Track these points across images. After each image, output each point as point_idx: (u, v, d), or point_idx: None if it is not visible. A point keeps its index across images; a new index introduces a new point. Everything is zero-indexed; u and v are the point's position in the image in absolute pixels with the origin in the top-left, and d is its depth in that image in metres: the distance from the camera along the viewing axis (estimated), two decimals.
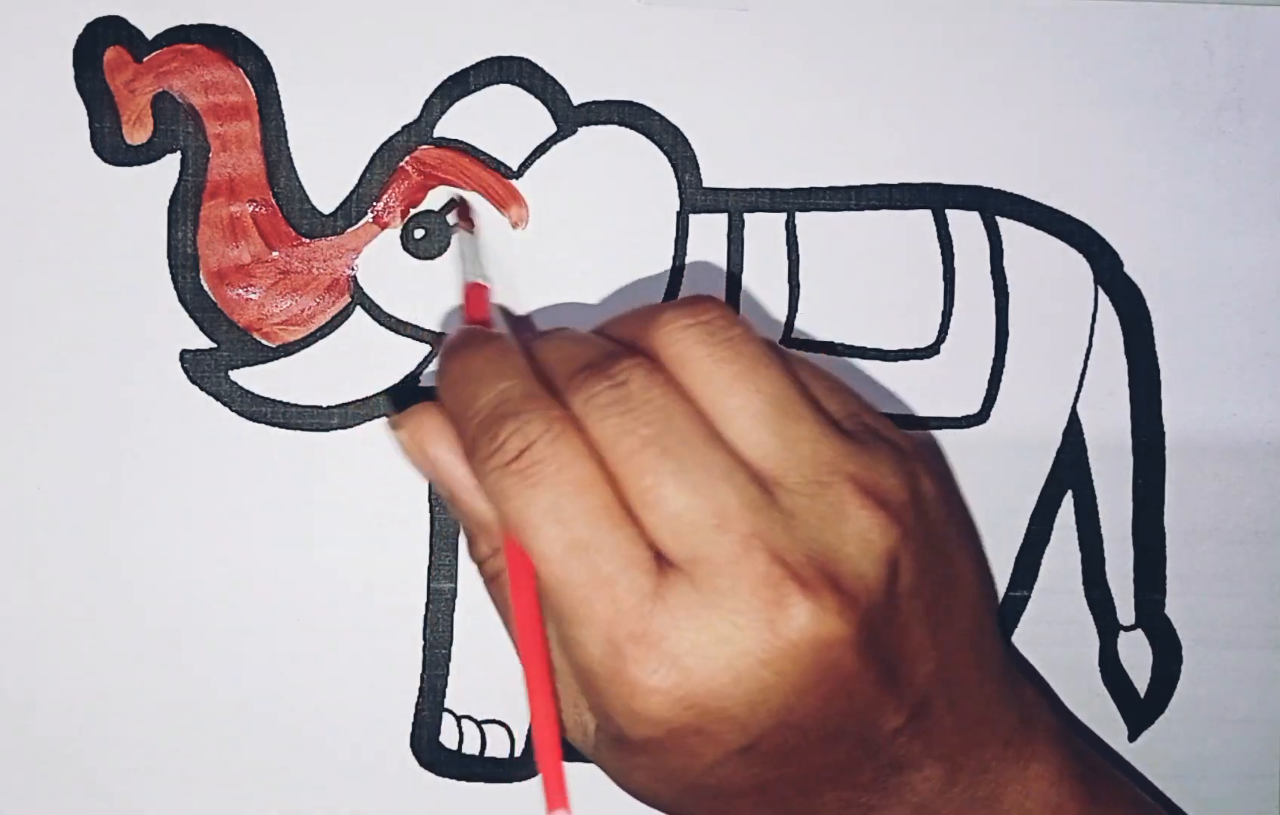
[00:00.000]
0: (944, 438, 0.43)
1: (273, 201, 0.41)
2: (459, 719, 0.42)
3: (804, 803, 0.33)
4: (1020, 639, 0.43)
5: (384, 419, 0.41)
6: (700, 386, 0.32)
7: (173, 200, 0.41)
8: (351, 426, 0.41)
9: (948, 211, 0.42)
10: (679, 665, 0.30)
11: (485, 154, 0.41)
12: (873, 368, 0.42)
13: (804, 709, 0.31)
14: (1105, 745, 0.43)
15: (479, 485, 0.32)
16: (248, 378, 0.41)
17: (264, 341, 0.41)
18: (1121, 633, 0.43)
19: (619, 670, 0.30)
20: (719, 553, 0.30)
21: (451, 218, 0.40)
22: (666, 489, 0.30)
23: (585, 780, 0.35)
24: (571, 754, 0.42)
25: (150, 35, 0.41)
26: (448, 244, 0.41)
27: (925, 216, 0.42)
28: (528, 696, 0.33)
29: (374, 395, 0.41)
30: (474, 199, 0.41)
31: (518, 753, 0.42)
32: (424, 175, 0.41)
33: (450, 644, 0.42)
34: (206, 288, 0.41)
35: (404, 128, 0.41)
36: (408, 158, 0.41)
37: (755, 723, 0.31)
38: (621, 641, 0.30)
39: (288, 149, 0.41)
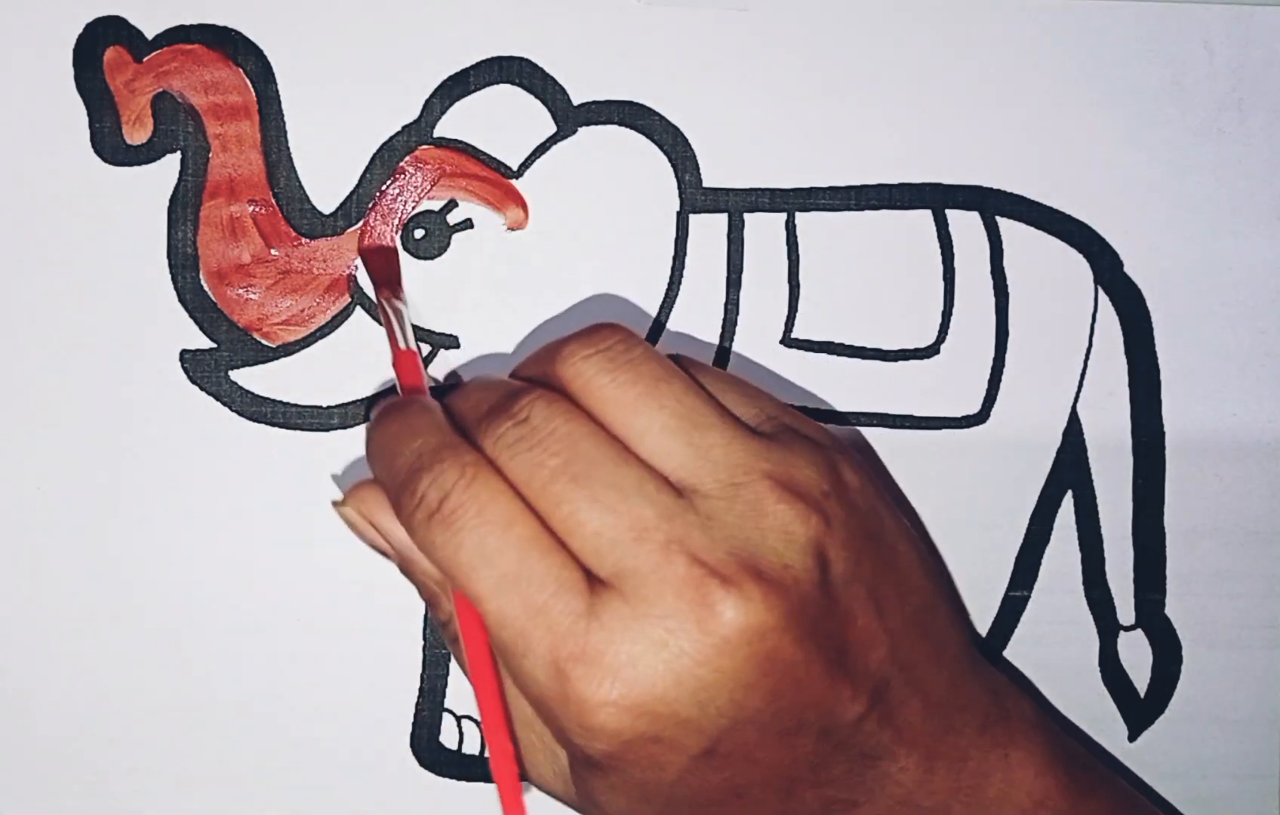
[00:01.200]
0: (944, 438, 0.43)
1: (273, 201, 0.41)
2: (459, 719, 0.42)
3: (784, 805, 0.33)
4: (1020, 639, 0.43)
5: None
6: (608, 411, 0.33)
7: (173, 200, 0.41)
8: (351, 426, 0.41)
9: (948, 211, 0.42)
10: (621, 677, 0.31)
11: (485, 154, 0.41)
12: (873, 368, 0.42)
13: (753, 704, 0.31)
14: (1099, 746, 0.43)
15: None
16: (248, 378, 0.41)
17: (264, 341, 0.41)
18: (1121, 633, 0.43)
19: (566, 691, 0.31)
20: (641, 563, 0.31)
21: (366, 282, 0.41)
22: (582, 513, 0.31)
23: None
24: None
25: (150, 35, 0.41)
26: (448, 244, 0.41)
27: (925, 216, 0.42)
28: (484, 733, 0.33)
29: (374, 395, 0.41)
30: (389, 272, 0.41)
31: None
32: (424, 175, 0.41)
33: None
34: (206, 288, 0.41)
35: (404, 128, 0.41)
36: (408, 157, 0.41)
37: (708, 722, 0.31)
38: (564, 663, 0.31)
39: (288, 149, 0.41)
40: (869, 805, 0.34)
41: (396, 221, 0.41)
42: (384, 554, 0.35)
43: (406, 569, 0.35)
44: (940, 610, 0.36)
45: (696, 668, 0.31)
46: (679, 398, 0.33)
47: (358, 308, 0.41)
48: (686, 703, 0.31)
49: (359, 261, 0.41)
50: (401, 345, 0.38)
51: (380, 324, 0.41)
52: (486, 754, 0.42)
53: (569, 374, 0.33)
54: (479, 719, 0.42)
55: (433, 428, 0.34)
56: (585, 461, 0.32)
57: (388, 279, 0.41)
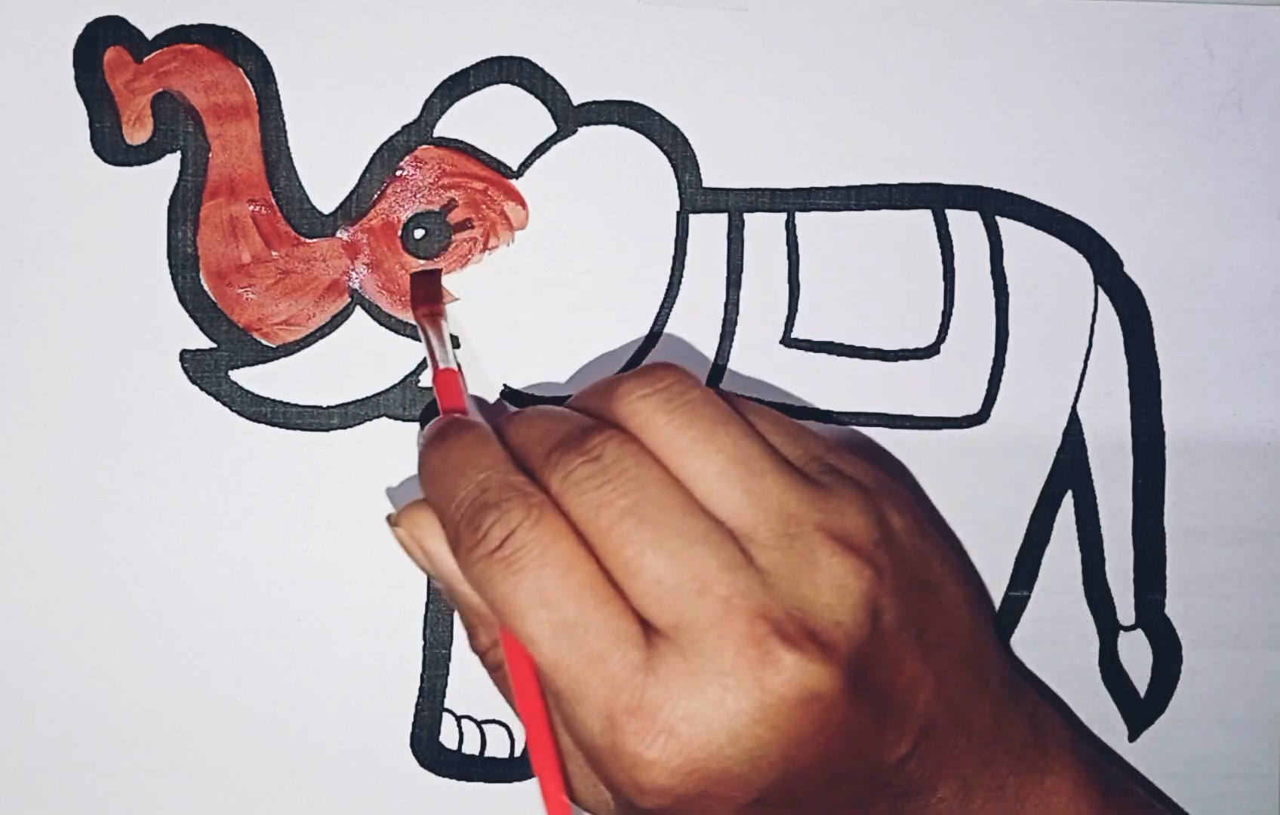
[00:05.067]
0: (944, 438, 0.43)
1: (273, 201, 0.41)
2: (459, 719, 0.42)
3: None
4: (1020, 639, 0.43)
5: (384, 420, 0.41)
6: (665, 452, 0.32)
7: (173, 200, 0.41)
8: (351, 426, 0.41)
9: (948, 211, 0.42)
10: (675, 734, 0.30)
11: (485, 154, 0.41)
12: (873, 368, 0.42)
13: (804, 758, 0.31)
14: (1106, 747, 0.43)
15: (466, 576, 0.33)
16: (248, 378, 0.41)
17: (264, 341, 0.41)
18: (1121, 633, 0.43)
19: (619, 745, 0.31)
20: (702, 617, 0.31)
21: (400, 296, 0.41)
22: (646, 558, 0.31)
23: None
24: None
25: (150, 35, 0.41)
26: (448, 244, 0.41)
27: (925, 216, 0.42)
28: (536, 770, 0.33)
29: (374, 395, 0.41)
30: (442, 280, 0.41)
31: (517, 753, 0.42)
32: (424, 175, 0.41)
33: (450, 644, 0.42)
34: (206, 288, 0.41)
35: (404, 128, 0.41)
36: (408, 157, 0.41)
37: (759, 776, 0.31)
38: (618, 716, 0.31)
39: (288, 149, 0.41)
40: None
41: (396, 221, 0.41)
42: (427, 573, 0.35)
43: (450, 596, 0.34)
44: (984, 642, 0.36)
45: (753, 726, 0.31)
46: (735, 442, 0.33)
47: (357, 308, 0.41)
48: (739, 760, 0.31)
49: (358, 269, 0.41)
50: (441, 364, 0.38)
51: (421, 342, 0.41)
52: (487, 753, 0.42)
53: (626, 412, 0.33)
54: (479, 719, 0.42)
55: (495, 461, 0.33)
56: (653, 505, 0.31)
57: (428, 298, 0.40)
